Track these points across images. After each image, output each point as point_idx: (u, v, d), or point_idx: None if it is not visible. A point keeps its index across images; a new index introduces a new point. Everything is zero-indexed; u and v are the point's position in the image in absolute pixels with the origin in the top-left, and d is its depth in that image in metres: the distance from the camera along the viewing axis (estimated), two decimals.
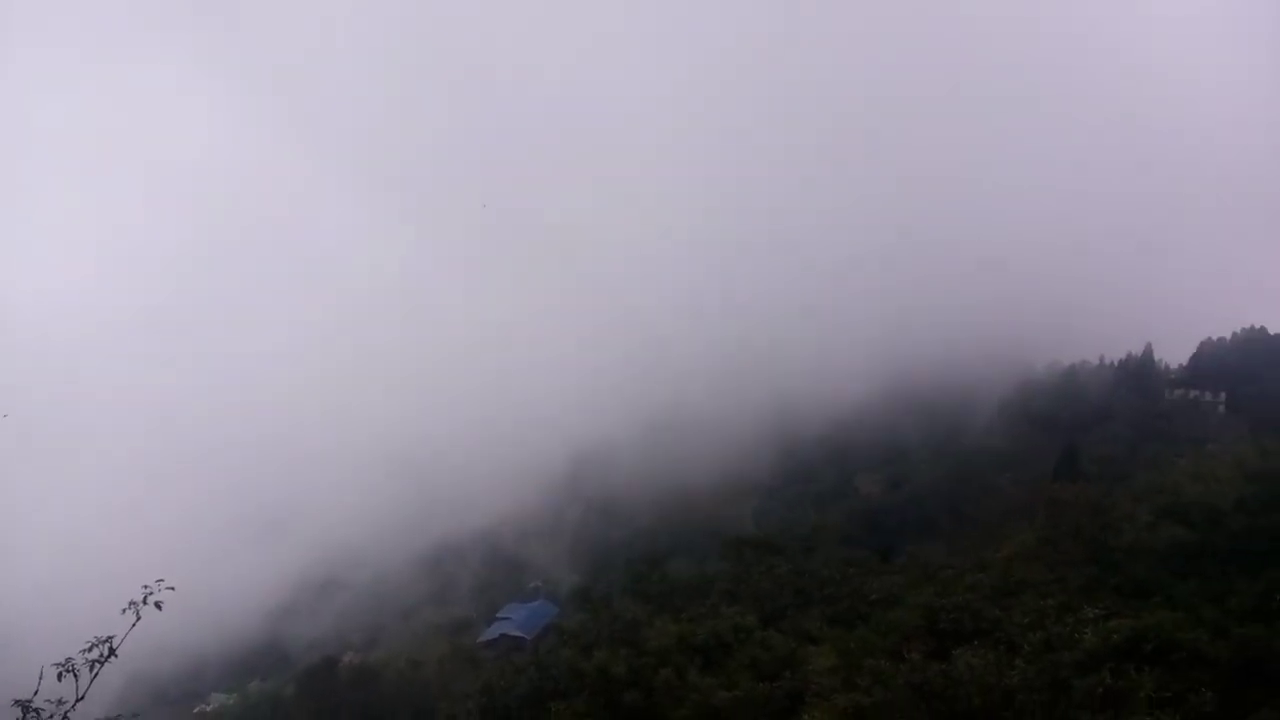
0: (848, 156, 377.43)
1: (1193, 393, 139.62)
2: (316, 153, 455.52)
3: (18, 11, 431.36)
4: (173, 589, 11.69)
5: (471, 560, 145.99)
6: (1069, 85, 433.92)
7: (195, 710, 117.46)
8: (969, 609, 33.60)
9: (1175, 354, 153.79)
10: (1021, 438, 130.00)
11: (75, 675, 10.95)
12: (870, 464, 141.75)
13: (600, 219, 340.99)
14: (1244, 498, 56.20)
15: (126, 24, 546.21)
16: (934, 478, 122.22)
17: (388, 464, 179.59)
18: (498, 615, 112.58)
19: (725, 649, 38.77)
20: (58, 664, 10.97)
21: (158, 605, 11.49)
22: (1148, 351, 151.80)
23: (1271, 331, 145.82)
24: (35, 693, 10.94)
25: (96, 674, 11.02)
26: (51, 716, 10.97)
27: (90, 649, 11.02)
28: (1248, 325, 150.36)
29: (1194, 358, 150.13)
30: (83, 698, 11.06)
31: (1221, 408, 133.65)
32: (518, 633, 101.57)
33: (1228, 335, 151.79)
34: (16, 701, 10.95)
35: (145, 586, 11.56)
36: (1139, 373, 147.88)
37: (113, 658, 11.13)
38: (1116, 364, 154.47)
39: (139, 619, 11.30)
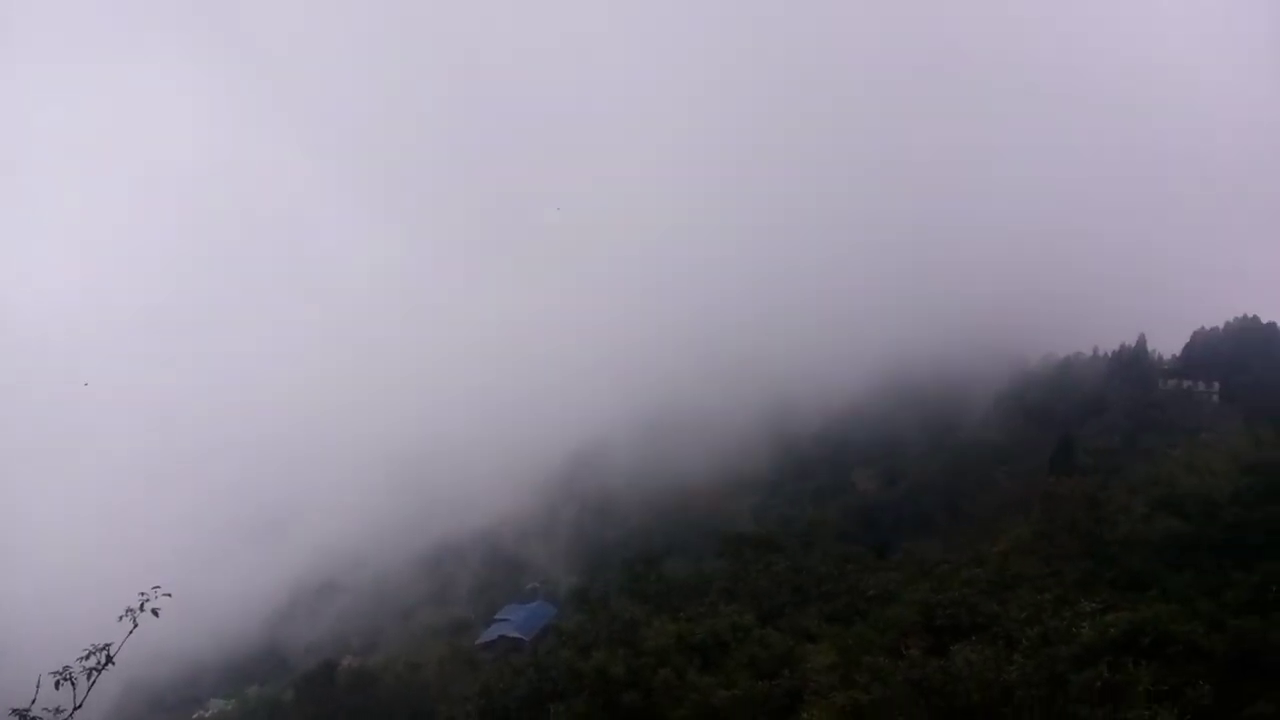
0: (842, 153, 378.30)
1: (1186, 383, 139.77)
2: (315, 152, 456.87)
3: (18, 12, 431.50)
4: (169, 595, 11.69)
5: (470, 561, 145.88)
6: (1060, 80, 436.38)
7: (193, 716, 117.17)
8: (966, 604, 33.67)
9: (1169, 344, 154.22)
10: (1017, 431, 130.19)
11: (73, 683, 10.94)
12: (867, 459, 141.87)
13: (597, 219, 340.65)
14: (1239, 489, 56.26)
15: (125, 24, 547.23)
16: (930, 472, 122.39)
17: (386, 465, 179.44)
18: (496, 616, 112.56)
19: (723, 648, 38.76)
20: (55, 672, 10.96)
21: (154, 612, 11.49)
22: (1141, 342, 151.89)
23: (1264, 320, 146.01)
24: (33, 701, 10.93)
25: (94, 682, 11.01)
26: None
27: (87, 657, 11.00)
28: (1241, 314, 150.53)
29: (1187, 348, 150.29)
30: (80, 706, 11.05)
31: (1215, 397, 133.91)
32: (516, 634, 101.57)
33: (1221, 325, 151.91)
34: (14, 711, 10.92)
35: (142, 593, 11.57)
36: (1133, 363, 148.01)
37: (110, 665, 11.12)
38: (1110, 355, 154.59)
39: (136, 626, 11.29)
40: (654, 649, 38.22)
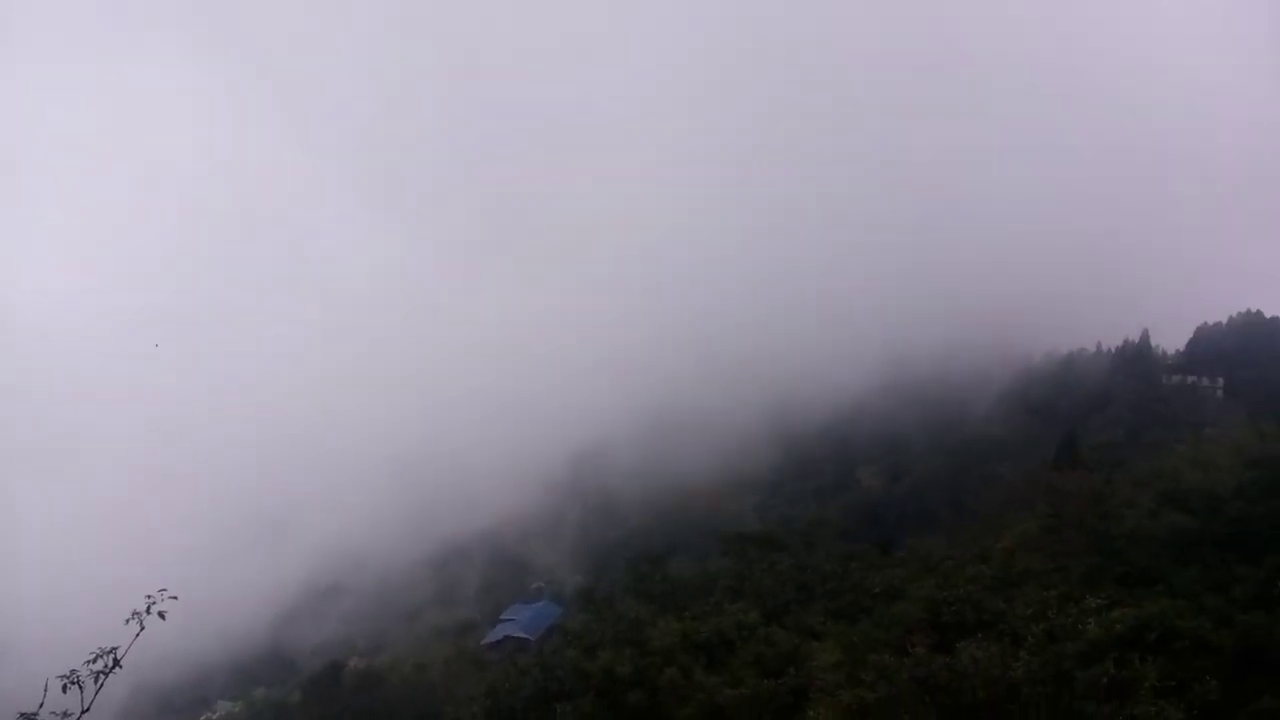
0: (842, 153, 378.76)
1: (1190, 378, 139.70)
2: (315, 152, 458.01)
3: (18, 12, 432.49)
4: (175, 598, 11.69)
5: (475, 561, 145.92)
6: (1061, 80, 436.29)
7: (201, 718, 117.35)
8: (971, 601, 33.67)
9: (1173, 339, 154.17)
10: (1021, 427, 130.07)
11: (80, 687, 10.95)
12: (871, 456, 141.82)
13: (597, 219, 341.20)
14: (1243, 484, 56.14)
15: (125, 24, 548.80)
16: (933, 469, 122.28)
17: (389, 465, 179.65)
18: (501, 617, 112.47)
19: (729, 647, 38.82)
20: (63, 676, 10.97)
21: (161, 615, 11.49)
22: (1145, 337, 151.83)
23: (1268, 315, 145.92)
24: (40, 705, 10.94)
25: (101, 685, 11.02)
26: None
27: (94, 660, 11.01)
28: (1244, 309, 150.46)
29: (1191, 343, 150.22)
30: (88, 709, 11.06)
31: (1219, 392, 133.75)
32: (522, 634, 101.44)
33: (1224, 320, 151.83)
34: (22, 715, 10.94)
35: (148, 596, 11.57)
36: (1137, 359, 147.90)
37: (118, 669, 11.13)
38: (1114, 351, 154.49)
39: (143, 629, 11.30)
40: (659, 648, 38.29)
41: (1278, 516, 46.29)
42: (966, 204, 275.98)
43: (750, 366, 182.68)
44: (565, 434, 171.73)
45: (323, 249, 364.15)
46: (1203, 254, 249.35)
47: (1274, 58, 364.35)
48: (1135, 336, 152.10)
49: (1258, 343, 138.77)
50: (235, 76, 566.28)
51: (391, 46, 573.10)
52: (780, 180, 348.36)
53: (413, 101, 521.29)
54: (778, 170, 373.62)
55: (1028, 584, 40.24)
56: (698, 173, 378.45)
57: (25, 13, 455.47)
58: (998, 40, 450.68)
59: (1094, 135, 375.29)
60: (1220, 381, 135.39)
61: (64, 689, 10.93)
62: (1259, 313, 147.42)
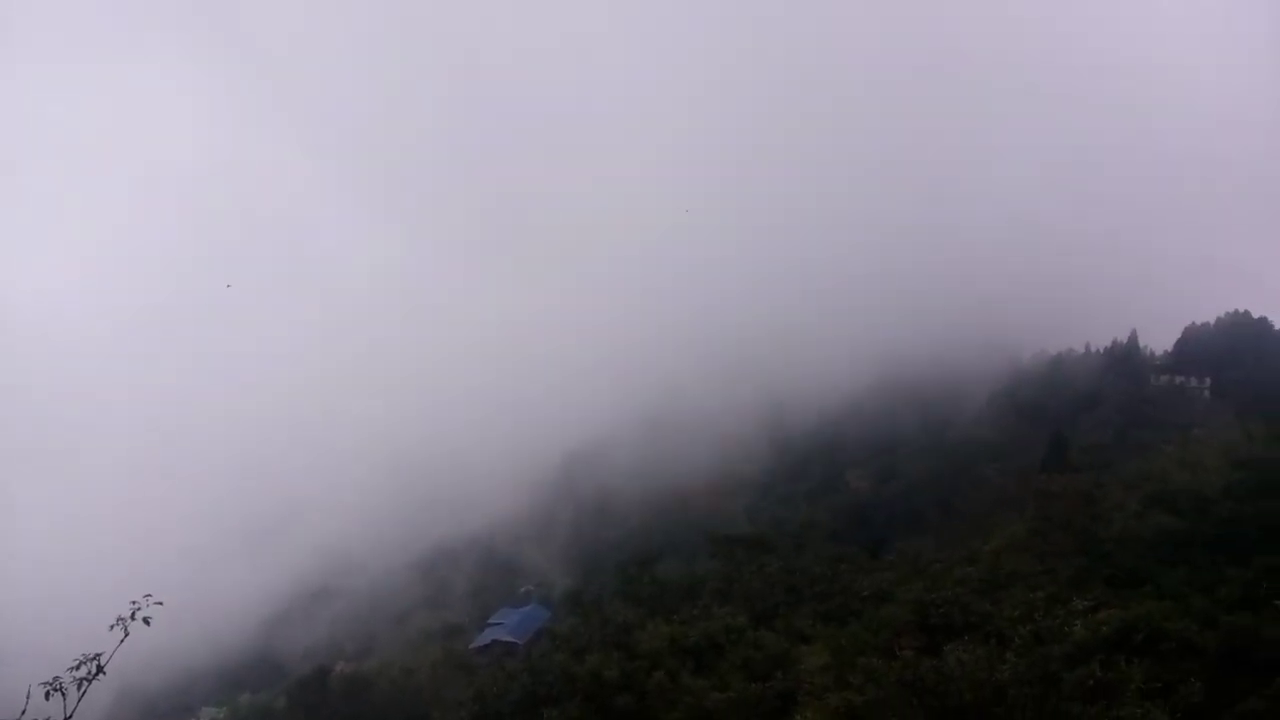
0: (837, 154, 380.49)
1: (1178, 378, 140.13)
2: (315, 152, 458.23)
3: (18, 12, 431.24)
4: (160, 604, 11.62)
5: (465, 565, 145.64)
6: (1051, 81, 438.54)
7: None
8: (959, 603, 33.72)
9: (1160, 340, 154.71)
10: (1010, 428, 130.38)
11: (63, 694, 10.87)
12: (861, 458, 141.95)
13: (596, 219, 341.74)
14: (1231, 485, 56.42)
15: (126, 25, 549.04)
16: (923, 471, 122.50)
17: (382, 467, 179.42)
18: (490, 621, 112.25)
19: (717, 650, 38.76)
20: (45, 683, 10.89)
21: (145, 621, 11.42)
22: (1133, 338, 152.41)
23: (1255, 316, 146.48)
24: (23, 712, 10.86)
25: (85, 692, 10.94)
26: None
27: (78, 667, 10.93)
28: (1232, 310, 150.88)
29: (1179, 343, 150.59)
30: (71, 717, 10.98)
31: (1207, 393, 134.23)
32: (510, 638, 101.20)
33: (1212, 320, 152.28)
34: None
35: (133, 602, 11.50)
36: (1125, 360, 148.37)
37: (101, 675, 11.05)
38: (1103, 351, 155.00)
39: (127, 635, 11.22)
40: (648, 652, 38.24)
41: (1265, 517, 46.51)
42: (956, 205, 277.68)
43: (743, 368, 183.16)
44: (558, 435, 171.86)
45: (321, 249, 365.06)
46: (1190, 254, 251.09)
47: (1262, 60, 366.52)
48: (1124, 337, 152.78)
49: (1245, 343, 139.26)
50: (236, 77, 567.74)
51: (391, 46, 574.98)
52: (774, 182, 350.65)
53: (412, 101, 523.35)
54: (772, 172, 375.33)
55: (1015, 586, 40.39)
56: (697, 173, 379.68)
57: (28, 13, 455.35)
58: (990, 42, 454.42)
59: (1085, 135, 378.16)
60: (1208, 382, 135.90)
61: (46, 696, 10.86)
62: (1246, 313, 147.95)
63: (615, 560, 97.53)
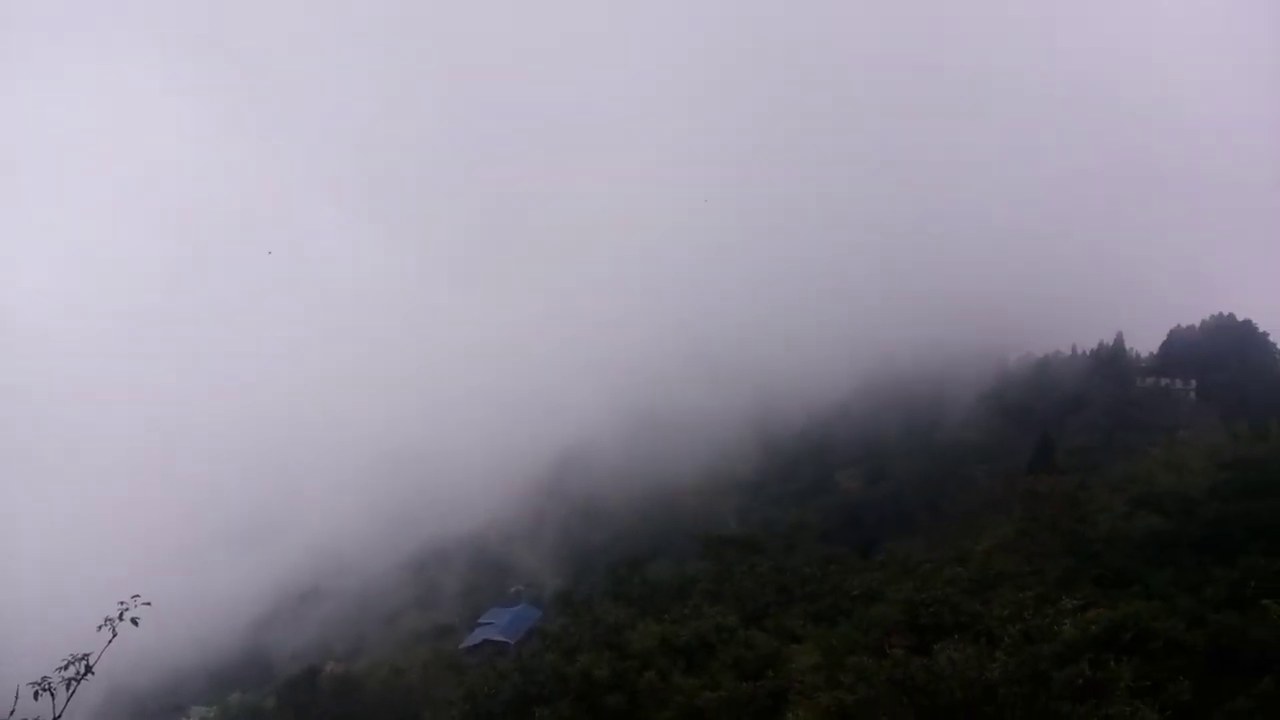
0: (827, 156, 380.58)
1: (1164, 381, 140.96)
2: (311, 152, 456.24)
3: (18, 15, 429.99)
4: (149, 604, 11.62)
5: (456, 565, 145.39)
6: (1037, 84, 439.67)
7: None
8: (949, 603, 33.80)
9: (1146, 342, 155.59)
10: (998, 429, 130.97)
11: (52, 694, 10.85)
12: (850, 459, 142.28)
13: (587, 221, 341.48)
14: (1216, 485, 56.86)
15: (125, 26, 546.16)
16: (912, 472, 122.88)
17: (372, 468, 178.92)
18: (480, 620, 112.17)
19: (708, 650, 38.77)
20: (34, 683, 10.87)
21: (134, 622, 11.42)
22: (1119, 340, 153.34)
23: (1240, 318, 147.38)
24: (11, 712, 10.84)
25: (73, 692, 10.93)
26: None
27: (66, 667, 10.92)
28: (1216, 312, 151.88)
29: (1164, 346, 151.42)
30: (59, 717, 10.96)
31: (1192, 395, 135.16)
32: (500, 638, 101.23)
33: (1197, 323, 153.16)
34: None
35: (121, 603, 11.49)
36: (1111, 362, 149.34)
37: (89, 676, 11.04)
38: (1089, 353, 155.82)
39: (115, 636, 11.21)
40: (639, 651, 38.23)
41: (1251, 518, 46.85)
42: (944, 208, 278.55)
43: (733, 369, 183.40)
44: (549, 436, 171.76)
45: (314, 250, 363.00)
46: (1174, 258, 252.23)
47: (1248, 66, 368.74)
48: (1109, 339, 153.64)
49: (1229, 346, 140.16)
50: (235, 77, 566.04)
51: (390, 47, 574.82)
52: (766, 184, 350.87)
53: (409, 101, 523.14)
54: (764, 175, 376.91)
55: (1004, 586, 40.51)
56: (689, 175, 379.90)
57: (27, 13, 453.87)
58: (980, 44, 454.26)
59: (1069, 141, 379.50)
60: (1193, 384, 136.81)
61: (35, 696, 10.85)
62: (1230, 316, 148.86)
63: (606, 560, 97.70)
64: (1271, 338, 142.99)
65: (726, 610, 45.33)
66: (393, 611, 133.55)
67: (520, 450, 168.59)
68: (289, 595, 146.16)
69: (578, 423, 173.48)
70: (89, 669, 10.98)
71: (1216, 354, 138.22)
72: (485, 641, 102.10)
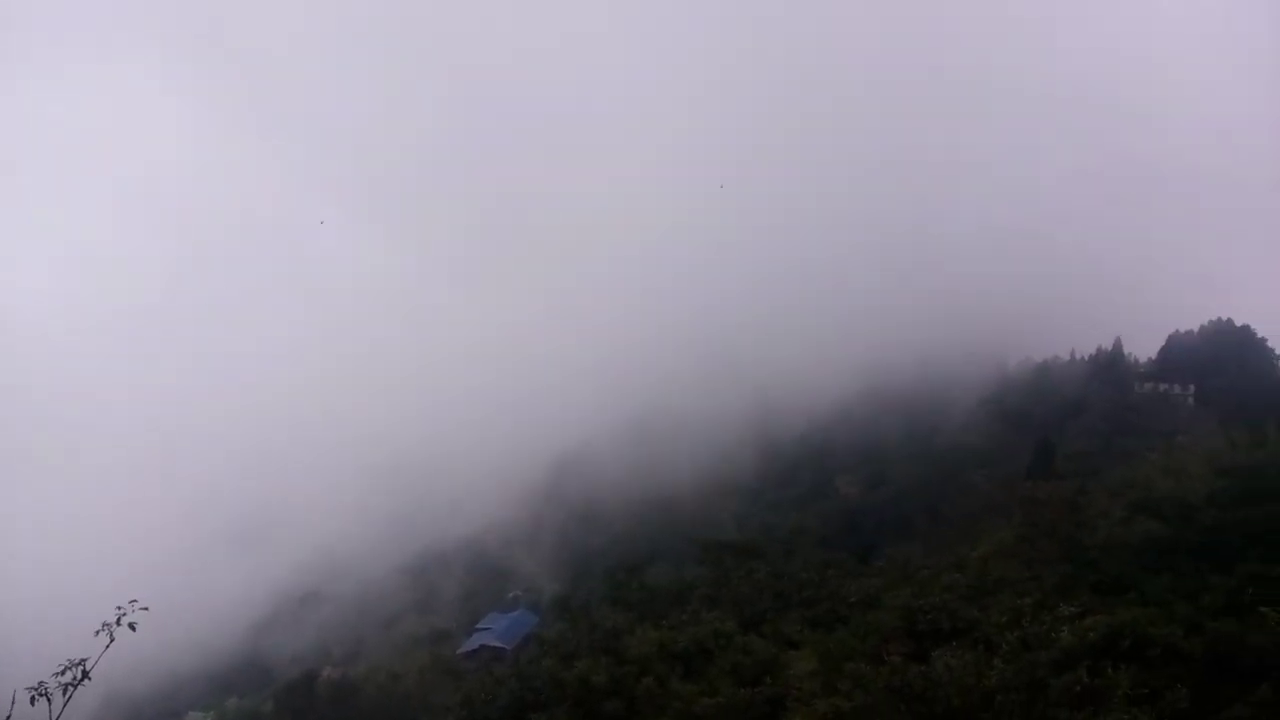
0: (821, 157, 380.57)
1: (1162, 386, 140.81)
2: (310, 152, 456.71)
3: (17, 15, 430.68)
4: (146, 609, 11.61)
5: (454, 569, 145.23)
6: (1037, 84, 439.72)
7: None
8: (947, 609, 33.83)
9: (1145, 348, 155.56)
10: (997, 435, 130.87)
11: (48, 699, 10.85)
12: (850, 464, 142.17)
13: (580, 225, 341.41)
14: (1215, 492, 56.75)
15: (125, 26, 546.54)
16: (911, 477, 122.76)
17: (371, 471, 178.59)
18: (477, 625, 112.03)
19: (706, 655, 38.79)
20: (31, 688, 10.87)
21: (131, 626, 11.41)
22: (1118, 346, 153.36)
23: (1238, 324, 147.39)
24: (8, 717, 10.84)
25: (70, 697, 10.93)
26: None
27: (63, 672, 10.91)
28: (1215, 318, 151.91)
29: (1163, 351, 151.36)
30: None
31: (1191, 400, 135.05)
32: (498, 643, 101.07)
33: (1195, 328, 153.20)
34: None
35: (119, 607, 11.48)
36: (1110, 367, 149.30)
37: (86, 681, 11.03)
38: (1088, 359, 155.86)
39: (112, 641, 11.21)
40: (636, 657, 38.26)
41: (1249, 525, 46.81)
42: (943, 211, 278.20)
43: (732, 373, 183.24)
44: (548, 440, 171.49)
45: (312, 252, 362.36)
46: (1174, 262, 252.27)
47: (1248, 71, 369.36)
48: (1108, 344, 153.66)
49: (1228, 351, 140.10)
50: (234, 77, 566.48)
51: (390, 47, 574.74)
52: (767, 187, 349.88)
53: (408, 101, 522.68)
54: (765, 176, 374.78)
55: (1003, 592, 40.52)
56: (687, 176, 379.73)
57: (25, 13, 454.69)
58: (980, 48, 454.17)
59: (1069, 145, 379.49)
60: (1191, 389, 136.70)
61: (32, 701, 10.85)
62: (1229, 321, 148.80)
63: (604, 565, 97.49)
64: (1270, 343, 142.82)
65: (724, 616, 45.36)
66: (391, 616, 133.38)
67: (518, 455, 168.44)
68: (287, 599, 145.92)
69: (576, 426, 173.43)
70: (86, 674, 10.98)
71: (1215, 359, 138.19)
72: (483, 647, 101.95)
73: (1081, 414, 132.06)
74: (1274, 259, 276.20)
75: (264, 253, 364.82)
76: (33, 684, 10.96)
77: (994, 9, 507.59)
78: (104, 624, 11.29)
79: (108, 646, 11.15)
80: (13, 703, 10.87)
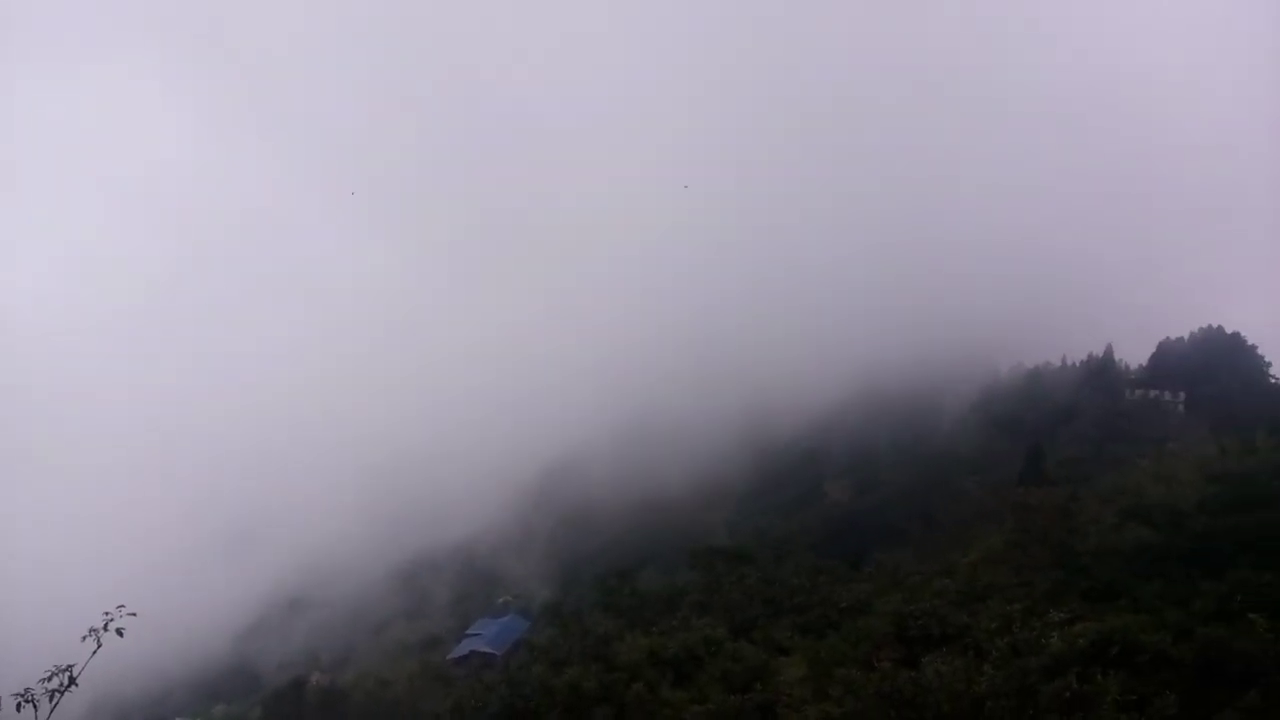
0: (815, 166, 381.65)
1: (1153, 392, 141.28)
2: (307, 154, 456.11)
3: (17, 14, 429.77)
4: (134, 615, 11.53)
5: (445, 574, 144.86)
6: (1029, 94, 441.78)
7: None
8: (937, 615, 33.85)
9: (1135, 354, 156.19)
10: (988, 440, 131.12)
11: (34, 705, 10.78)
12: (841, 469, 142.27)
13: (572, 230, 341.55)
14: (1205, 499, 57.06)
15: (124, 27, 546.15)
16: (902, 483, 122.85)
17: (361, 476, 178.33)
18: (467, 631, 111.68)
19: (696, 662, 38.69)
20: (16, 694, 10.80)
21: (119, 632, 11.34)
22: (1108, 352, 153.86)
23: (1228, 331, 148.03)
24: None
25: (57, 703, 10.85)
26: None
27: (50, 678, 10.84)
28: (1205, 324, 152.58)
29: (1154, 358, 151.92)
30: None
31: (1181, 407, 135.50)
32: (488, 649, 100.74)
33: (1185, 335, 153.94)
34: None
35: (106, 613, 11.41)
36: (1101, 373, 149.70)
37: (73, 687, 10.96)
38: (1079, 365, 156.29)
39: (100, 647, 11.14)
40: (626, 664, 38.15)
41: (1239, 531, 46.99)
42: (936, 217, 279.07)
43: (723, 378, 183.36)
44: (538, 445, 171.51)
45: (306, 256, 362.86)
46: (1164, 269, 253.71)
47: (1240, 81, 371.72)
48: (1099, 350, 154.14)
49: (1218, 358, 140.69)
50: (235, 77, 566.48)
51: (390, 47, 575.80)
52: (749, 190, 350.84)
53: (407, 102, 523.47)
54: (745, 181, 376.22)
55: (993, 598, 40.54)
56: (668, 183, 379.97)
57: (24, 13, 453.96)
58: (973, 58, 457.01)
59: (1060, 151, 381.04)
60: (1181, 396, 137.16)
61: (18, 707, 10.78)
62: (1219, 328, 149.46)
63: (594, 571, 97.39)
64: (1260, 350, 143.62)
65: (715, 622, 45.29)
66: (380, 621, 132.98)
67: (508, 460, 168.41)
68: (276, 605, 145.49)
69: (566, 432, 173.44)
70: (73, 680, 10.91)
71: (1205, 366, 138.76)
72: (473, 653, 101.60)
73: (1073, 420, 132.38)
74: (1264, 266, 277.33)
75: (263, 253, 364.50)
76: (33, 682, 10.91)
77: (986, 15, 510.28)
78: (91, 629, 11.22)
79: (94, 653, 11.08)
80: None
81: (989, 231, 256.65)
